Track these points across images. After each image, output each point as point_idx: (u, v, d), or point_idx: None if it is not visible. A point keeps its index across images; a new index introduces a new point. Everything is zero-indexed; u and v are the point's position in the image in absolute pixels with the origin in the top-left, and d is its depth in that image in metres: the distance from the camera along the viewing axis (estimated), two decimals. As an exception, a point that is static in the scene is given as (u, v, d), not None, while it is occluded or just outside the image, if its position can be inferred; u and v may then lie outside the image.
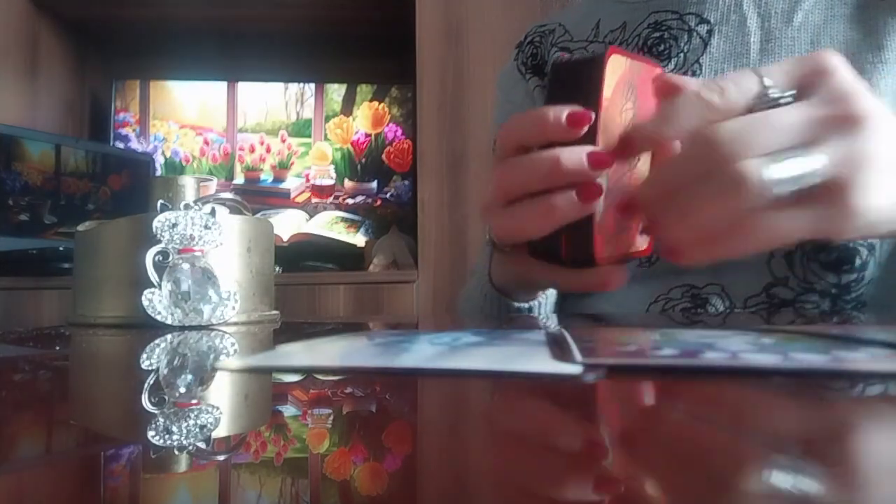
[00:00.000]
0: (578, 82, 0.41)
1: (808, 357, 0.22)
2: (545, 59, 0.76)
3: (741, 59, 0.62)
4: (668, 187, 0.37)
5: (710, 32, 0.64)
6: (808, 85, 0.37)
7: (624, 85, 0.42)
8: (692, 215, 0.36)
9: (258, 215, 0.66)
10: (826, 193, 0.35)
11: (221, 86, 1.75)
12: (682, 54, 0.65)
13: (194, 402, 0.20)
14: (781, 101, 0.36)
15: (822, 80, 0.36)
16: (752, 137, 0.35)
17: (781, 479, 0.12)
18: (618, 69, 0.41)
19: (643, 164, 0.44)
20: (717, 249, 0.37)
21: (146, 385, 0.23)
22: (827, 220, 0.36)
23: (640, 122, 0.40)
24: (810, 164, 0.34)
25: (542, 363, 0.22)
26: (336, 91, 1.76)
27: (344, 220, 1.73)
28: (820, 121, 0.35)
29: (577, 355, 0.23)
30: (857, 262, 0.55)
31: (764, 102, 0.36)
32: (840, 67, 0.37)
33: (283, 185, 1.73)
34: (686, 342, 0.26)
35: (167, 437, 0.16)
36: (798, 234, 0.36)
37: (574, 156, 0.38)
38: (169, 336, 0.38)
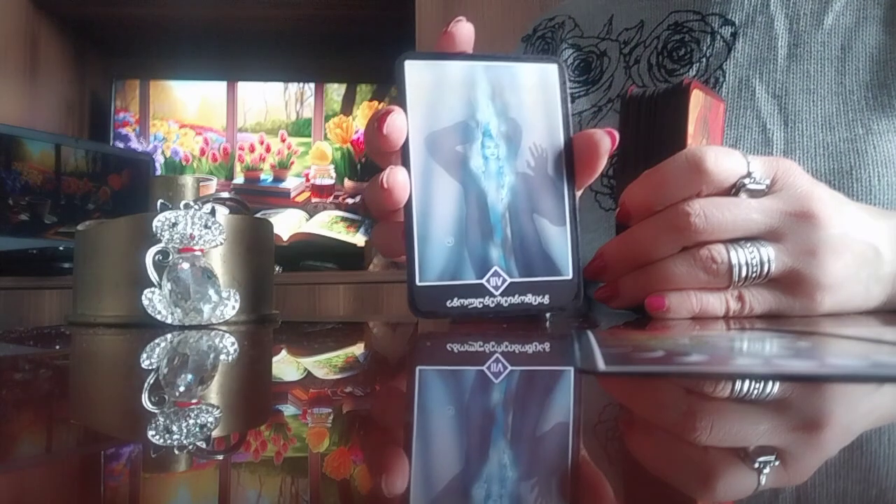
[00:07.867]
0: (661, 118, 0.40)
1: (845, 363, 0.22)
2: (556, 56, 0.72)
3: (767, 66, 0.59)
4: (636, 248, 0.40)
5: (734, 35, 0.61)
6: (776, 180, 0.40)
7: (701, 120, 0.41)
8: (654, 282, 0.39)
9: (258, 215, 0.66)
10: (788, 280, 0.39)
11: (221, 85, 1.74)
12: (703, 59, 0.61)
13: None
14: (756, 189, 0.39)
15: (789, 179, 0.39)
16: (726, 221, 0.38)
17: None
18: (697, 104, 0.41)
19: None
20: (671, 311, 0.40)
21: (146, 384, 0.23)
22: (790, 304, 0.40)
23: (631, 189, 0.41)
24: (766, 255, 0.38)
25: None
26: (336, 90, 1.76)
27: (344, 219, 1.73)
28: (784, 214, 0.39)
29: (601, 362, 0.22)
30: None
31: (741, 186, 0.39)
32: (802, 172, 0.40)
33: (283, 185, 1.73)
34: (716, 346, 0.26)
35: (167, 436, 0.16)
36: (761, 311, 0.40)
37: None
38: (169, 336, 0.38)
